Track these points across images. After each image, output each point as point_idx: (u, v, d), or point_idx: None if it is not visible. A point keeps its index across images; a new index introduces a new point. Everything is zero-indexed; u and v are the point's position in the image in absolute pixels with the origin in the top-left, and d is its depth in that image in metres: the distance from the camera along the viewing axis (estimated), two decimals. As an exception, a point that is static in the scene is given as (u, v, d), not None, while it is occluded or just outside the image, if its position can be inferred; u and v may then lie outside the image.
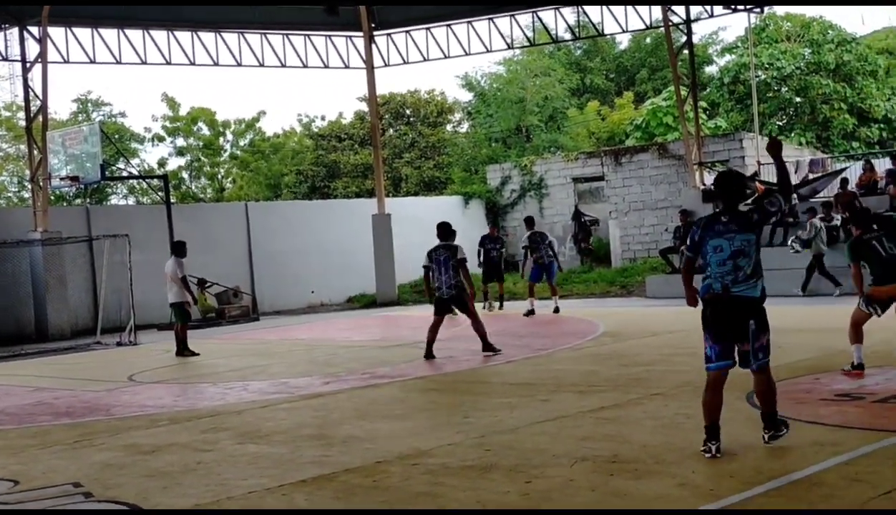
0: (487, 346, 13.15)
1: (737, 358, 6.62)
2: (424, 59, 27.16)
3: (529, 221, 20.73)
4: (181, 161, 40.23)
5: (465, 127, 41.76)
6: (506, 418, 8.60)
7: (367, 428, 8.65)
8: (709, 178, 24.76)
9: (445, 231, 13.44)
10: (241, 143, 41.26)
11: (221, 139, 40.78)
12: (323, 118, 41.86)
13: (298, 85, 69.21)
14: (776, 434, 6.60)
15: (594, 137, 36.62)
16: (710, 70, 41.44)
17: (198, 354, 16.10)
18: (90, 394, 12.35)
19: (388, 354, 14.72)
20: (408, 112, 39.61)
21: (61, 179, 22.96)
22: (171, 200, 24.55)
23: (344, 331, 19.31)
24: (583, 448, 7.12)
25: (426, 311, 22.12)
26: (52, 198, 26.51)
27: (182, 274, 16.22)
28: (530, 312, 19.16)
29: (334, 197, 36.14)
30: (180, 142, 39.88)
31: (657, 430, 7.62)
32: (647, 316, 17.44)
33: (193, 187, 40.70)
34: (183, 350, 16.17)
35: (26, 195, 36.61)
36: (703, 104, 32.97)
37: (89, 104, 38.42)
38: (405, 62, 27.30)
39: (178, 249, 16.44)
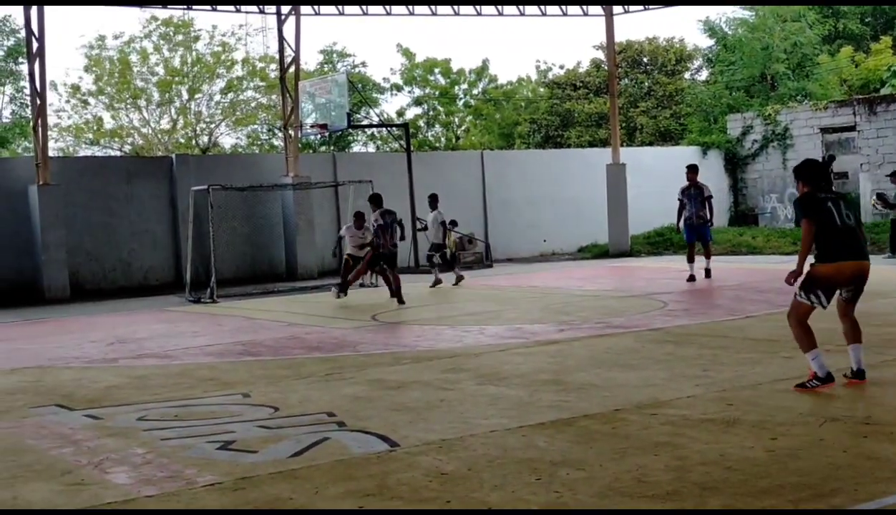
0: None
1: None
2: (666, 4, 26.41)
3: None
4: (418, 110, 41.25)
5: (704, 75, 40.38)
6: (747, 373, 8.39)
7: (603, 375, 8.68)
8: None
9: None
10: (474, 92, 41.78)
11: (456, 88, 41.43)
12: (561, 67, 41.67)
13: (534, 32, 69.09)
14: None
15: (846, 85, 34.47)
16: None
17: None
18: (338, 331, 13.03)
19: (622, 304, 14.63)
20: (645, 60, 38.74)
21: (311, 127, 24.15)
22: (410, 148, 25.26)
23: (577, 280, 19.34)
24: (831, 408, 6.85)
25: (659, 263, 21.82)
26: (300, 144, 27.89)
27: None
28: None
29: (567, 146, 36.00)
30: (417, 91, 40.87)
31: (915, 394, 7.22)
32: (901, 275, 16.40)
33: (429, 136, 41.67)
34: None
35: (276, 142, 38.73)
36: (972, 47, 30.32)
37: (334, 55, 39.99)
38: (645, 8, 26.67)
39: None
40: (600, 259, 25.57)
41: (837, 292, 7.56)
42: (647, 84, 37.71)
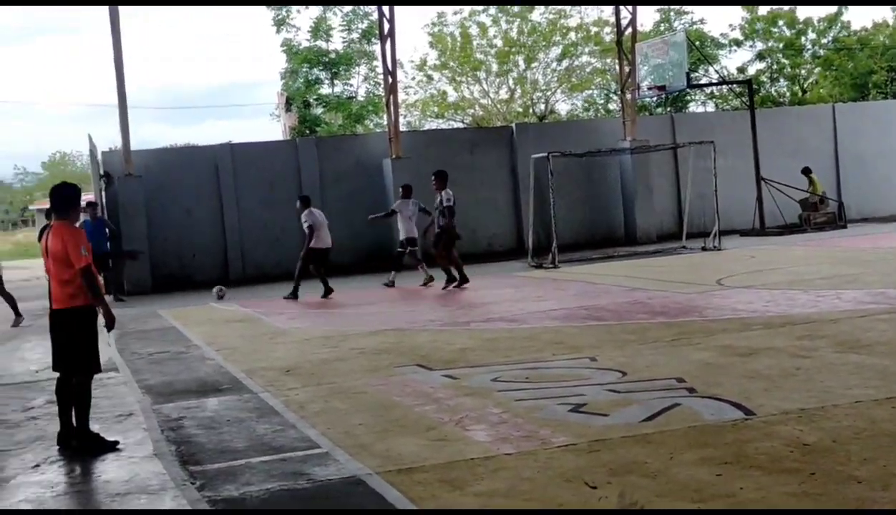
0: None
1: None
2: None
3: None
4: (760, 65, 39.41)
5: None
6: None
7: (984, 345, 7.89)
8: None
9: None
10: (824, 41, 39.18)
11: (803, 38, 39.11)
12: (921, 7, 38.07)
13: None
14: None
15: None
16: None
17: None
18: (681, 296, 12.81)
19: None
20: None
21: (648, 89, 23.82)
22: (754, 105, 24.20)
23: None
24: None
25: None
26: (636, 107, 27.59)
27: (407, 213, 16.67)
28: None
29: (931, 93, 32.90)
30: (760, 45, 39.04)
31: None
32: None
33: (773, 91, 39.70)
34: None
35: (611, 106, 38.63)
36: None
37: (671, 13, 39.10)
38: None
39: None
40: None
41: None
42: None
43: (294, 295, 16.11)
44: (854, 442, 5.42)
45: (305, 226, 16.43)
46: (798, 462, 5.18)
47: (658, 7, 38.78)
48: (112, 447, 6.69)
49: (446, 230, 16.03)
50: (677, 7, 38.88)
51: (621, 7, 24.16)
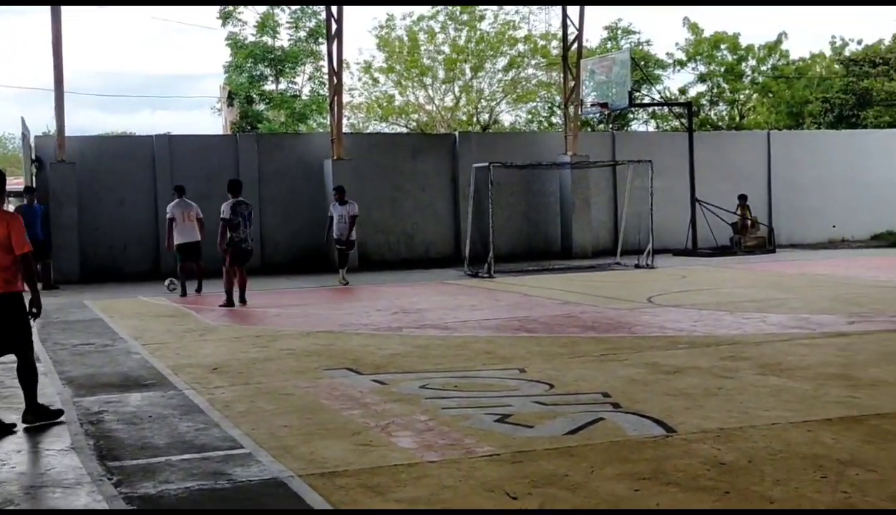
0: None
1: None
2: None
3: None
4: (702, 87, 40.03)
5: None
6: None
7: (898, 373, 8.12)
8: None
9: None
10: (763, 68, 39.95)
11: (743, 64, 39.83)
12: (859, 42, 39.03)
13: (829, 6, 64.86)
14: None
15: None
16: None
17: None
18: (612, 312, 12.98)
19: (921, 298, 13.59)
20: (957, 32, 35.53)
21: (591, 106, 24.08)
22: (692, 128, 24.61)
23: (870, 270, 18.15)
24: None
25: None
26: (579, 123, 27.88)
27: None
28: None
29: (863, 127, 33.73)
30: (702, 68, 39.66)
31: None
32: None
33: (712, 114, 40.36)
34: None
35: (554, 120, 38.92)
36: None
37: (619, 32, 39.55)
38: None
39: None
40: (896, 248, 23.85)
41: None
42: (959, 58, 34.60)
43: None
44: (769, 463, 5.54)
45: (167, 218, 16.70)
46: (714, 480, 5.28)
47: (606, 24, 39.21)
48: (58, 415, 7.17)
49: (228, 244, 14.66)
50: (625, 25, 39.33)
51: (568, 22, 24.36)
